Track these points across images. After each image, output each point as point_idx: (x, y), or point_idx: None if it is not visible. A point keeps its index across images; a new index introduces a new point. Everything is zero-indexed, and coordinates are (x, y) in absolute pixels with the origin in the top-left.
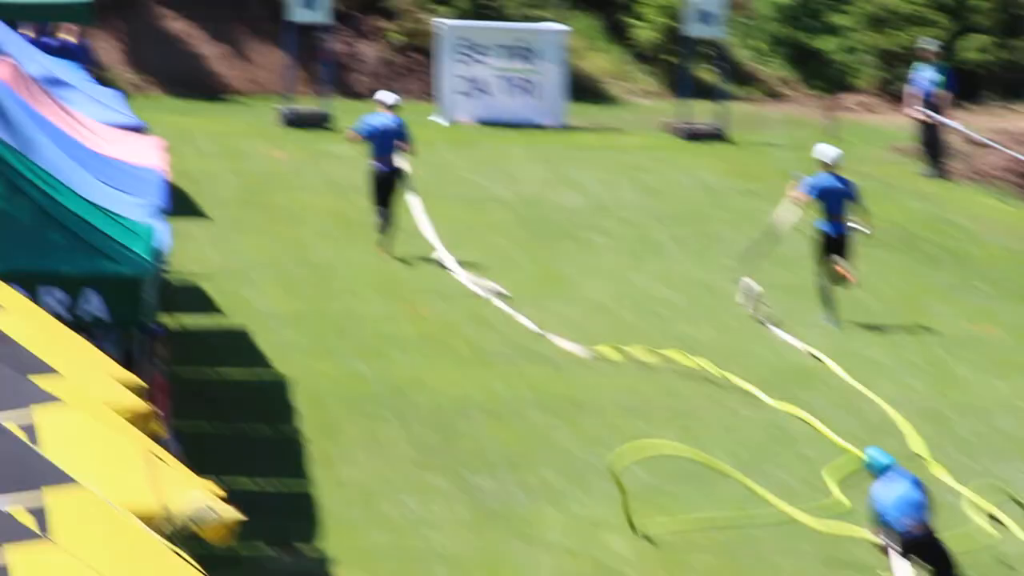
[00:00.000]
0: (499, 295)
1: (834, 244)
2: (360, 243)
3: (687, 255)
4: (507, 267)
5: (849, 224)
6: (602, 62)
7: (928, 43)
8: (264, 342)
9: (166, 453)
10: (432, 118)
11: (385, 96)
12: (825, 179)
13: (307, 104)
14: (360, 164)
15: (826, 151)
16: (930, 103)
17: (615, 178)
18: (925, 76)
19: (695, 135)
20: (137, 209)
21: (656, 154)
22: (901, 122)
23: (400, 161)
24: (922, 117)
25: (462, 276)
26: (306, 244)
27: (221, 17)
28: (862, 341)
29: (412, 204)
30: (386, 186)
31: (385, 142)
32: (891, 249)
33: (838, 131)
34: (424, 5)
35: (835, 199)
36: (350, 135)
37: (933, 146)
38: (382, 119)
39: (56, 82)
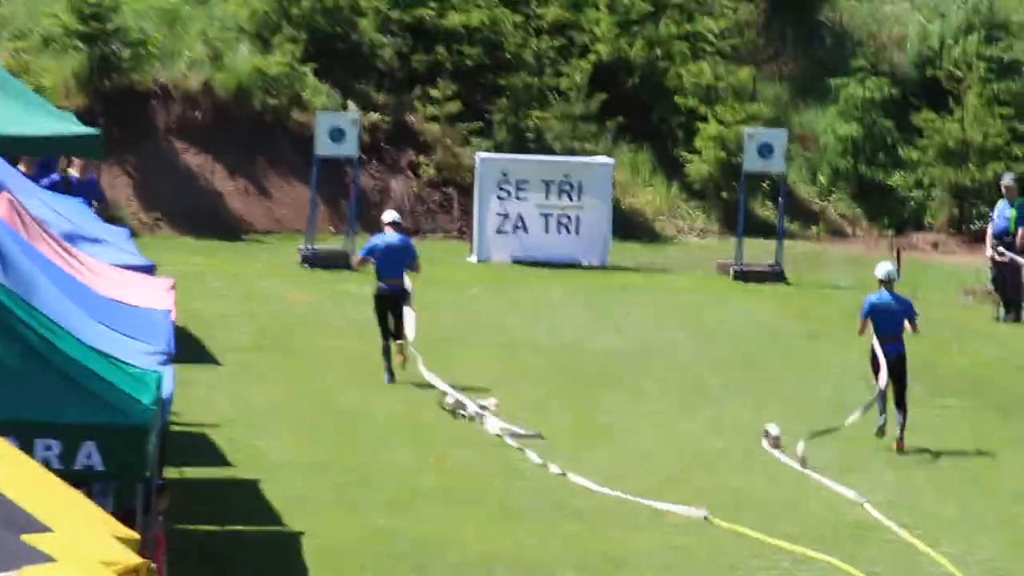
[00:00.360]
0: (529, 438)
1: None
2: (387, 389)
3: (741, 402)
4: (542, 416)
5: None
6: (651, 197)
7: (1008, 178)
8: (276, 495)
9: None
10: (467, 259)
11: (387, 214)
12: (879, 296)
13: (331, 242)
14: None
15: (880, 267)
16: (1008, 242)
17: (663, 320)
18: (1005, 214)
19: (751, 275)
20: (141, 355)
21: (708, 295)
22: (975, 262)
23: (406, 281)
24: (999, 257)
25: (492, 423)
26: (328, 390)
27: (241, 151)
28: (925, 494)
29: (408, 318)
30: (390, 305)
31: (390, 261)
32: (960, 396)
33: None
34: (460, 137)
35: (889, 317)
36: (355, 260)
37: (1010, 288)
38: (386, 238)
39: (58, 219)
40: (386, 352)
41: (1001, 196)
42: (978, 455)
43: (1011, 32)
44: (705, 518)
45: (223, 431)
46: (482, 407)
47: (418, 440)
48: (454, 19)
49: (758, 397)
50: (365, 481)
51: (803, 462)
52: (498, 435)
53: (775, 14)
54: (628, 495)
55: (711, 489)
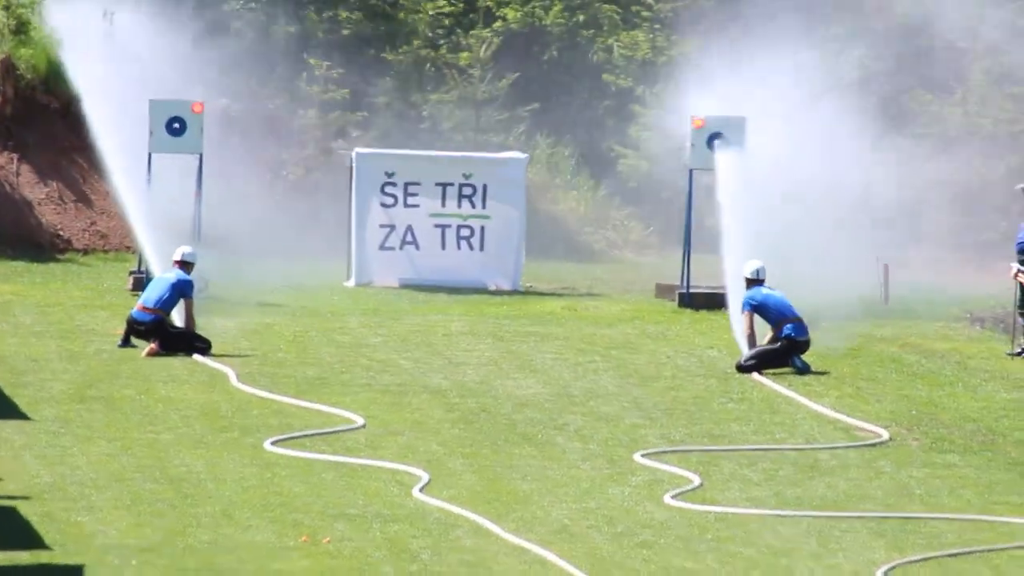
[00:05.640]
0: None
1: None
2: (238, 449)
3: (684, 461)
4: (440, 480)
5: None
6: (574, 204)
7: None
8: None
9: None
10: (344, 283)
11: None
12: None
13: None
14: (240, 359)
15: (749, 265)
16: None
17: (588, 359)
18: None
19: (700, 300)
20: None
21: (646, 326)
22: (985, 284)
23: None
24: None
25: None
26: (164, 452)
27: (53, 148)
28: (925, 569)
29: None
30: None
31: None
32: (966, 452)
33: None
34: (334, 127)
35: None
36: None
37: None
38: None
39: None
40: None
41: None
42: (983, 522)
43: None
44: None
45: (36, 504)
46: None
47: (279, 513)
48: None
49: (707, 457)
50: (212, 568)
51: None
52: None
53: None
54: None
55: (650, 573)
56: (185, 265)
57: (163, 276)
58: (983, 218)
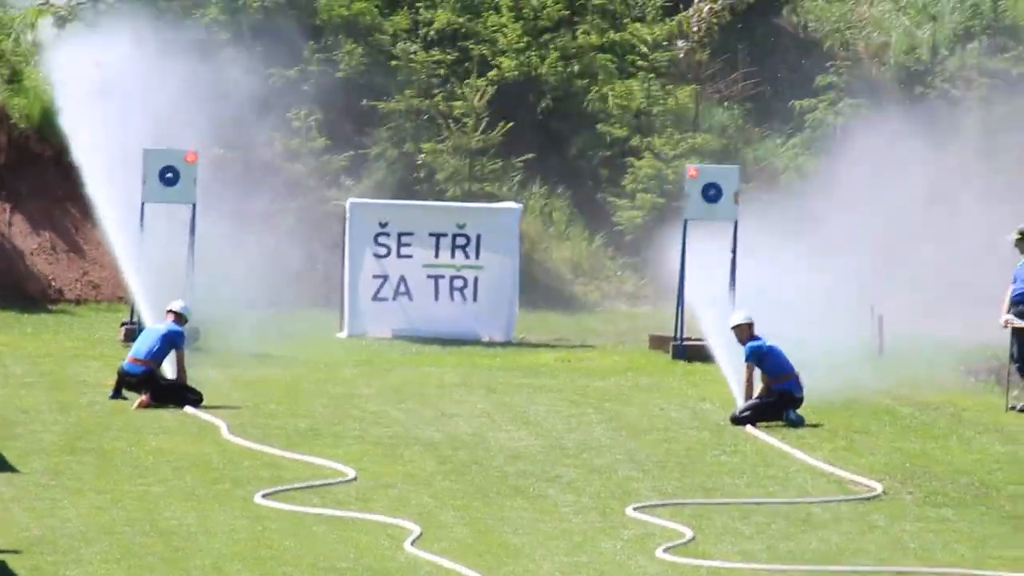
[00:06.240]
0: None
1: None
2: (229, 502)
3: (678, 516)
4: (432, 533)
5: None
6: (568, 254)
7: (1021, 231)
8: None
9: None
10: (337, 334)
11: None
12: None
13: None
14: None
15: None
16: None
17: (581, 411)
18: (1022, 273)
19: (694, 352)
20: None
21: (639, 379)
22: (978, 333)
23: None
24: (1019, 325)
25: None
26: (154, 505)
27: (47, 197)
28: None
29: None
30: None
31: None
32: (960, 506)
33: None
34: (328, 176)
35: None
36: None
37: None
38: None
39: None
40: None
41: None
42: None
43: (1021, 39)
44: None
45: (25, 558)
46: None
47: (270, 567)
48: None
49: (700, 511)
50: None
51: None
52: None
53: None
54: None
55: None
56: (179, 317)
57: (154, 327)
58: (978, 267)
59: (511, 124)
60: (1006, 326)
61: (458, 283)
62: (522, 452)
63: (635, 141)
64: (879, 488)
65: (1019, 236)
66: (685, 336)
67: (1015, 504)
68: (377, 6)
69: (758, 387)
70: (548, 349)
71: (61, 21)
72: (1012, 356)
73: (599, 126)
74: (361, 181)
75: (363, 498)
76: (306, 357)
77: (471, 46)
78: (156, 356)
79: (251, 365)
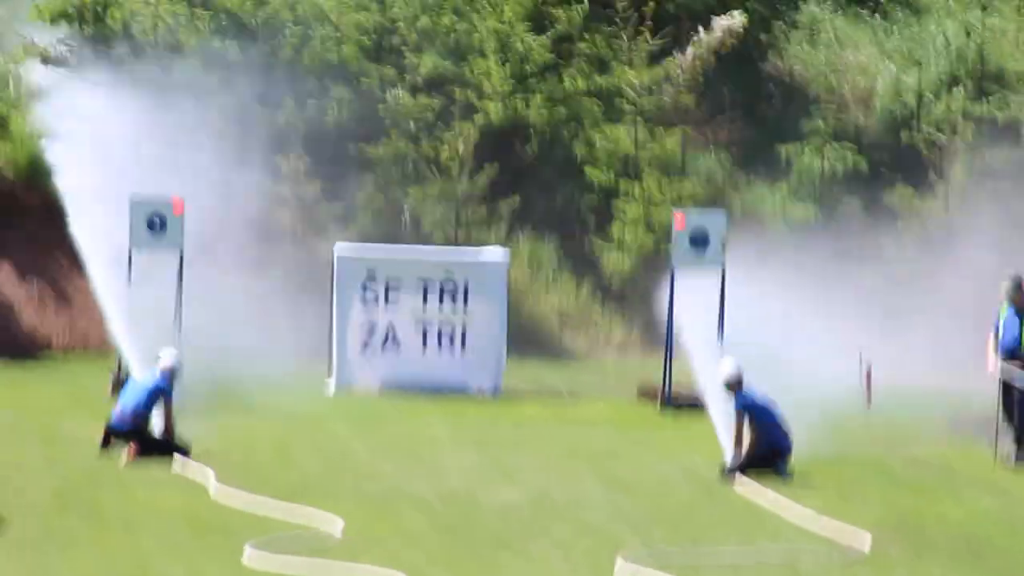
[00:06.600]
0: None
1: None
2: (218, 555)
3: (667, 569)
4: None
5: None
6: (556, 302)
7: (1014, 279)
8: None
9: None
10: (324, 387)
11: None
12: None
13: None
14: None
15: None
16: (1018, 357)
17: (569, 465)
18: (1012, 325)
19: (683, 404)
20: None
21: (627, 432)
22: (965, 386)
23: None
24: (1005, 377)
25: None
26: (145, 559)
27: (34, 246)
28: None
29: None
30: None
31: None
32: (950, 560)
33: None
34: (312, 222)
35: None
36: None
37: (1020, 421)
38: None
39: None
40: None
41: (1006, 300)
42: None
43: (1006, 85)
44: None
45: None
46: None
47: None
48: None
49: (690, 568)
50: None
51: None
52: None
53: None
54: None
55: None
56: (168, 369)
57: (140, 381)
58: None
59: (497, 168)
60: (992, 372)
61: (447, 332)
62: (511, 508)
63: (622, 186)
64: (868, 542)
65: (1012, 284)
66: (673, 387)
67: (1005, 559)
68: (364, 51)
69: (747, 437)
70: (536, 400)
71: (46, 61)
72: (1001, 407)
73: (587, 170)
74: (347, 227)
75: (353, 554)
76: (294, 409)
77: (456, 90)
78: (143, 414)
79: (239, 416)
